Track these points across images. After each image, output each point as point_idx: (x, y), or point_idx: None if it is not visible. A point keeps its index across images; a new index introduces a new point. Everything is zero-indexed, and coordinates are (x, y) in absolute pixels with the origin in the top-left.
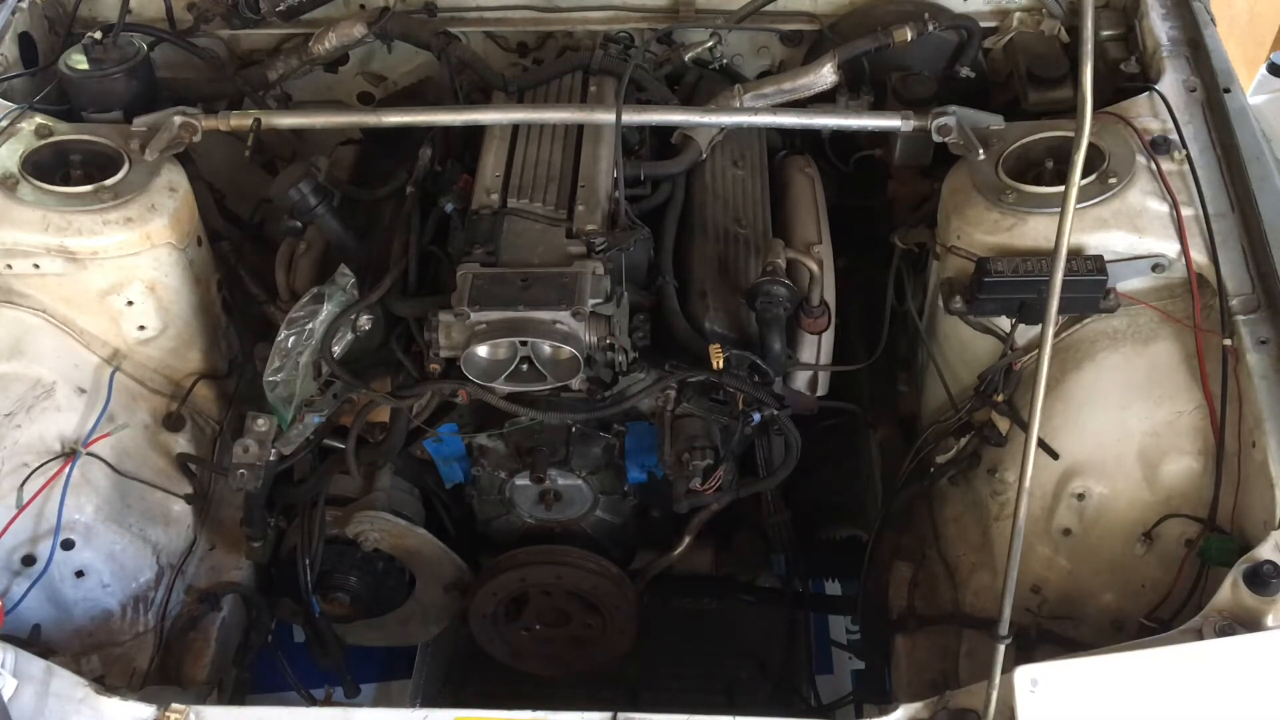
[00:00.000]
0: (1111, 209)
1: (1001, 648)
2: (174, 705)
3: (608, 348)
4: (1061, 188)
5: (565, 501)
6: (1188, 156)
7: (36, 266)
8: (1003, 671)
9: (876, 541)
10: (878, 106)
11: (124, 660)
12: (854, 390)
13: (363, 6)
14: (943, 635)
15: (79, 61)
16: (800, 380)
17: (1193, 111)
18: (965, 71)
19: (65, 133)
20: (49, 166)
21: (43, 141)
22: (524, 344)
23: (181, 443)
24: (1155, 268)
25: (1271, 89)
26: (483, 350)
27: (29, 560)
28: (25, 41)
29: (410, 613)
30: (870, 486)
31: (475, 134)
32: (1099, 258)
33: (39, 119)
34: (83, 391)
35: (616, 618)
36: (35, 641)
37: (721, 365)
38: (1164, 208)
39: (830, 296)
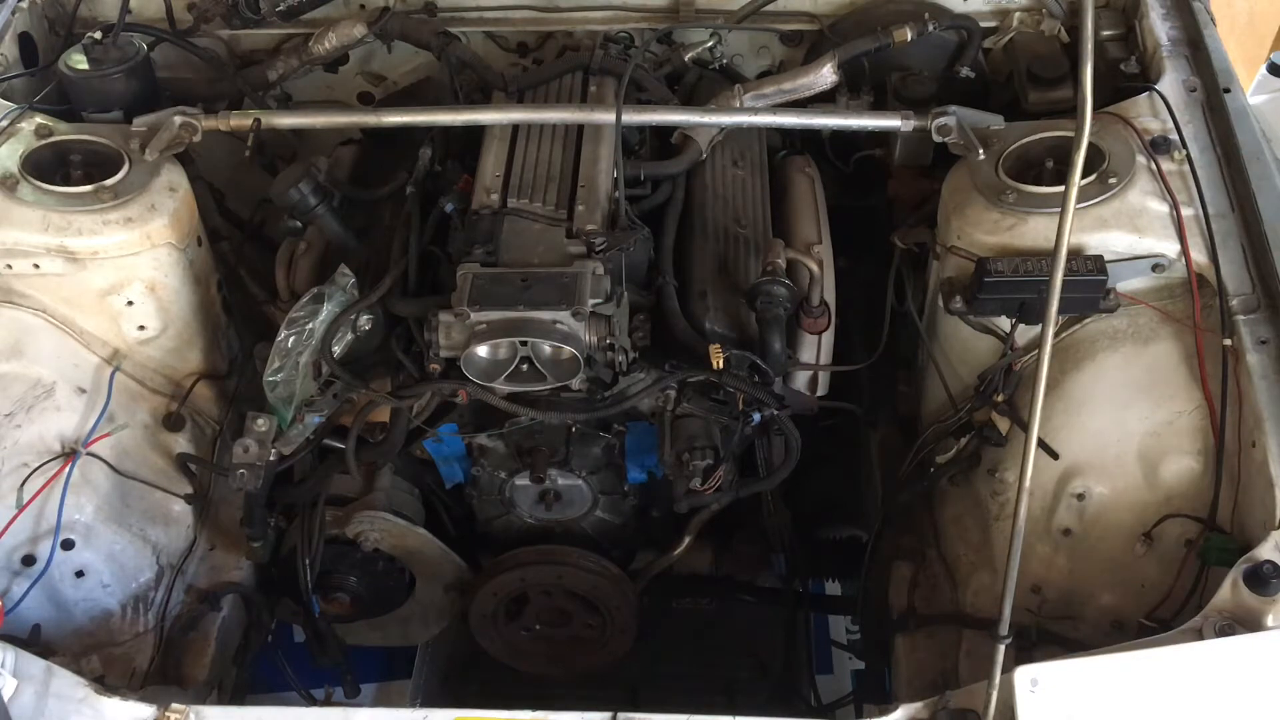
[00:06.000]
0: (1111, 209)
1: (1001, 648)
2: (174, 705)
3: (608, 348)
4: (1061, 188)
5: (565, 501)
6: (1188, 156)
7: (36, 266)
8: (1003, 671)
9: (876, 541)
10: (878, 106)
11: (124, 660)
12: (854, 390)
13: (363, 6)
14: (943, 635)
15: (79, 61)
16: (800, 380)
17: (1193, 111)
18: (965, 71)
19: (65, 133)
20: (49, 166)
21: (43, 141)
22: (524, 344)
23: (181, 443)
24: (1155, 268)
25: (1271, 89)
26: (483, 350)
27: (29, 560)
28: (25, 41)
29: (410, 613)
30: (870, 486)
31: (475, 134)
32: (1099, 258)
33: (39, 119)
34: (83, 391)
35: (616, 618)
36: (35, 641)
37: (721, 365)
38: (1164, 208)
39: (830, 296)
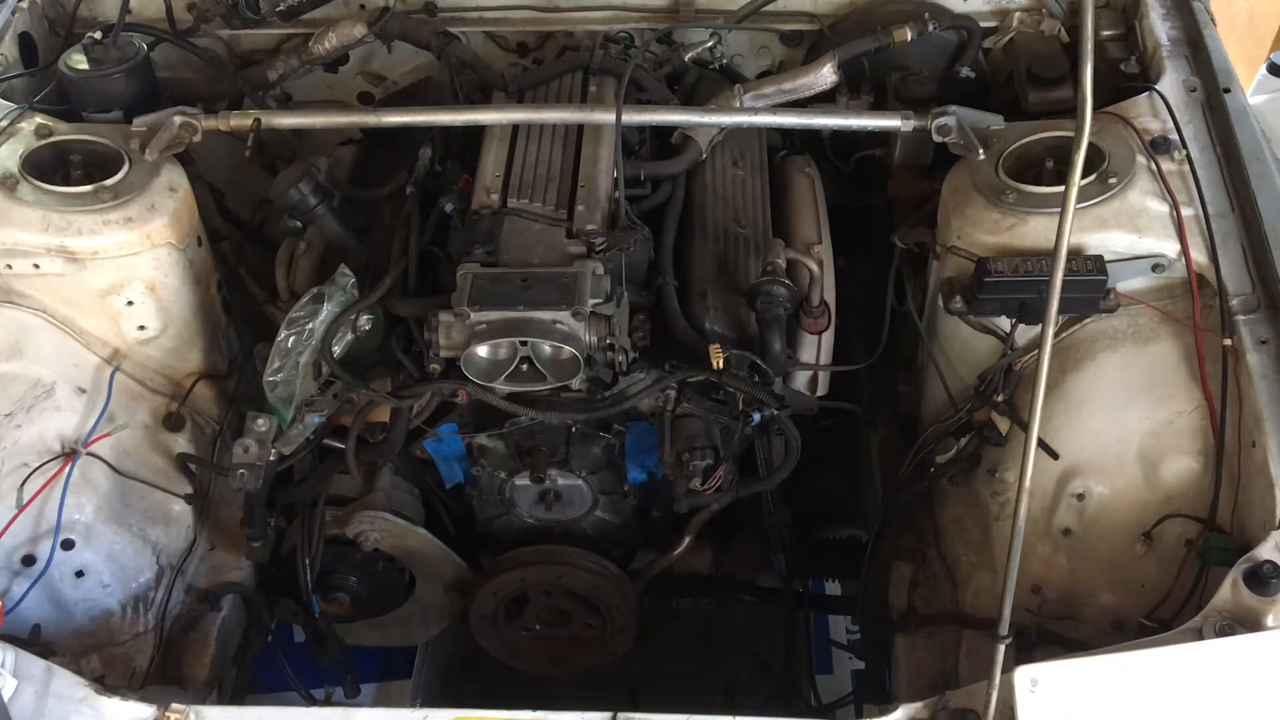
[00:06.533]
0: (1111, 209)
1: (1001, 648)
2: (174, 705)
3: (608, 348)
4: (1061, 188)
5: (565, 501)
6: (1188, 156)
7: (36, 266)
8: (1003, 671)
9: (876, 541)
10: (878, 106)
11: (124, 660)
12: (854, 390)
13: (363, 6)
14: (943, 635)
15: (79, 61)
16: (800, 380)
17: (1193, 111)
18: (965, 71)
19: (65, 133)
20: (49, 166)
21: (43, 141)
22: (524, 344)
23: (181, 443)
24: (1155, 268)
25: (1271, 89)
26: (483, 350)
27: (29, 560)
28: (25, 41)
29: (410, 613)
30: (870, 486)
31: (475, 134)
32: (1099, 258)
33: (39, 119)
34: (83, 391)
35: (616, 618)
36: (35, 641)
37: (721, 365)
38: (1164, 208)
39: (830, 296)
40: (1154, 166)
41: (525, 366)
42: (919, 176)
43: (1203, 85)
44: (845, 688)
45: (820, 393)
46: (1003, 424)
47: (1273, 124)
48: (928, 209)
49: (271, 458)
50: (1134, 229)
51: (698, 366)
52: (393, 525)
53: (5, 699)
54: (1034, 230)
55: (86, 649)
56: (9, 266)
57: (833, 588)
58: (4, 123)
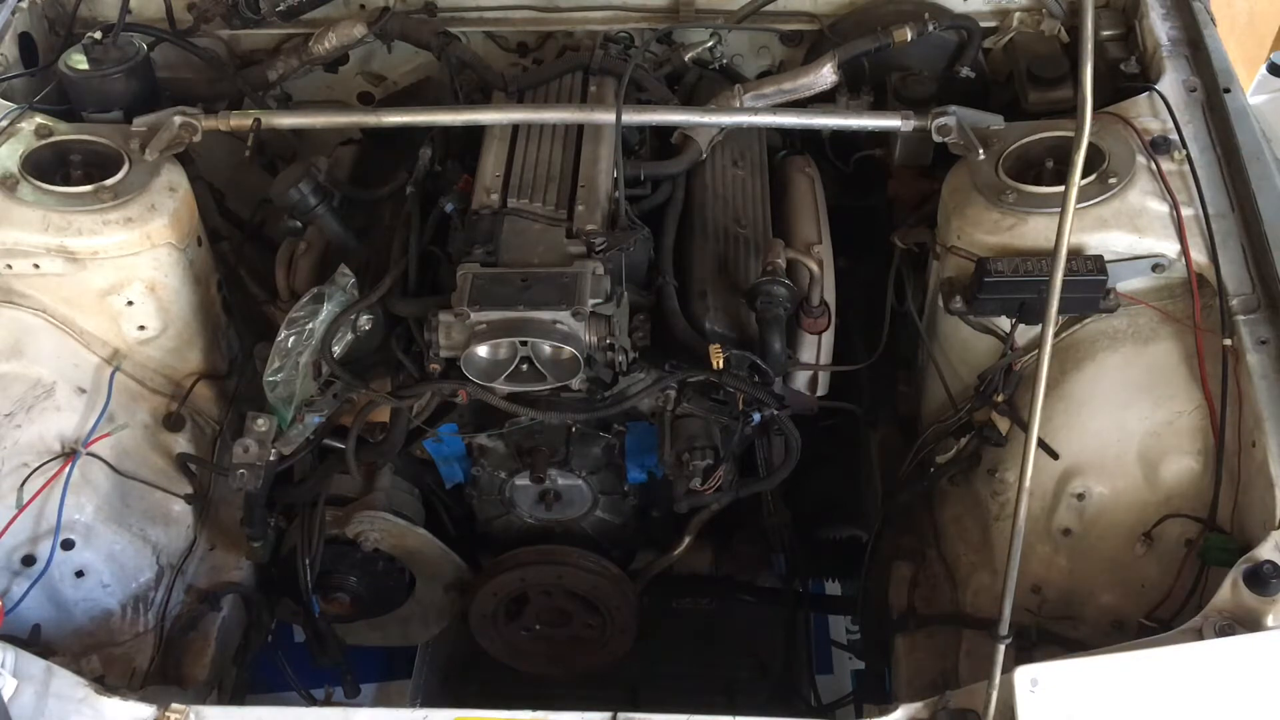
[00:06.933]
0: (1111, 209)
1: (1001, 648)
2: (174, 705)
3: (608, 348)
4: (1061, 188)
5: (565, 501)
6: (1188, 156)
7: (36, 266)
8: (1003, 671)
9: (876, 541)
10: (878, 106)
11: (124, 660)
12: (854, 390)
13: (363, 6)
14: (943, 635)
15: (79, 61)
16: (800, 380)
17: (1193, 111)
18: (965, 71)
19: (65, 133)
20: (49, 166)
21: (43, 141)
22: (524, 344)
23: (181, 443)
24: (1155, 268)
25: (1271, 89)
26: (483, 350)
27: (29, 560)
28: (25, 41)
29: (410, 613)
30: (870, 486)
31: (475, 134)
32: (1099, 258)
33: (39, 119)
34: (83, 391)
35: (616, 618)
36: (35, 641)
37: (721, 365)
38: (1164, 208)
39: (830, 296)
40: (1154, 166)
41: (525, 366)
42: (919, 176)
43: (1203, 85)
44: (845, 688)
45: (820, 393)
46: (1003, 424)
47: (1273, 124)
48: (928, 209)
49: (271, 458)
50: (1134, 229)
51: (698, 366)
52: (393, 525)
53: (5, 699)
54: (1034, 230)
55: (86, 649)
56: (9, 266)
57: (833, 588)
58: (4, 123)
